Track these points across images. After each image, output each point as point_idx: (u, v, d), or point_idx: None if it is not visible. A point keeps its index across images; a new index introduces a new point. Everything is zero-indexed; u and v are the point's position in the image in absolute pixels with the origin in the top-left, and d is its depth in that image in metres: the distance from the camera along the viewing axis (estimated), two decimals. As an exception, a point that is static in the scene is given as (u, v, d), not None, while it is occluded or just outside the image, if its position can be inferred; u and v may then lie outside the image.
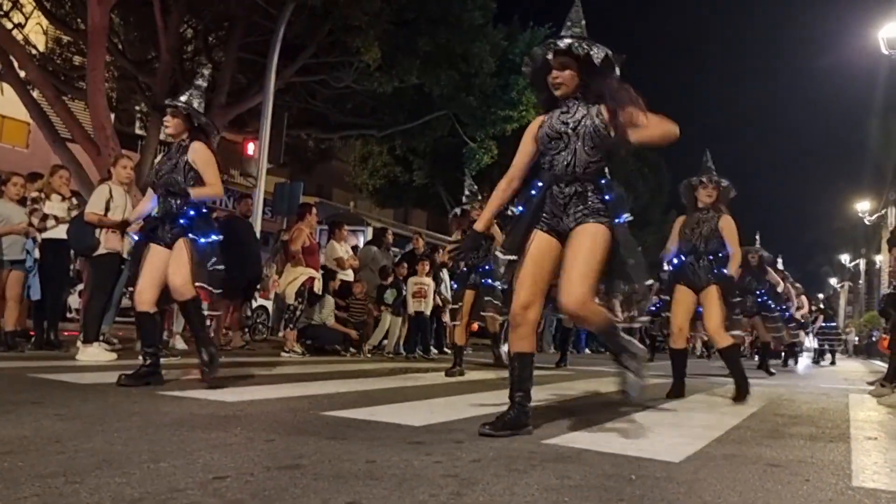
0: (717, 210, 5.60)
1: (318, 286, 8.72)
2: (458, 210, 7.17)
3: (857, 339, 36.79)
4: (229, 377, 4.90)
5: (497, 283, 6.23)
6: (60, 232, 6.62)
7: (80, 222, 6.31)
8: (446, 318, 11.33)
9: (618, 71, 3.28)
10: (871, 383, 8.43)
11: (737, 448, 3.24)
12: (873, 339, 28.78)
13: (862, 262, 44.75)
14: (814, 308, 18.96)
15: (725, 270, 5.51)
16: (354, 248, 11.22)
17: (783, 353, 13.96)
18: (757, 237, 10.40)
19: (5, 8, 12.41)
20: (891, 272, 8.03)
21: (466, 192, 7.14)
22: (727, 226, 5.56)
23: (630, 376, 3.26)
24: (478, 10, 13.82)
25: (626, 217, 3.20)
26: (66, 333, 7.67)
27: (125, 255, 6.51)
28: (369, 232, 17.85)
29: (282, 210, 13.66)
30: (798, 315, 12.83)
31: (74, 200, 6.96)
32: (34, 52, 12.89)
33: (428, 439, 2.94)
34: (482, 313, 6.73)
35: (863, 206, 35.14)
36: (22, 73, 11.53)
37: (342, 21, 11.43)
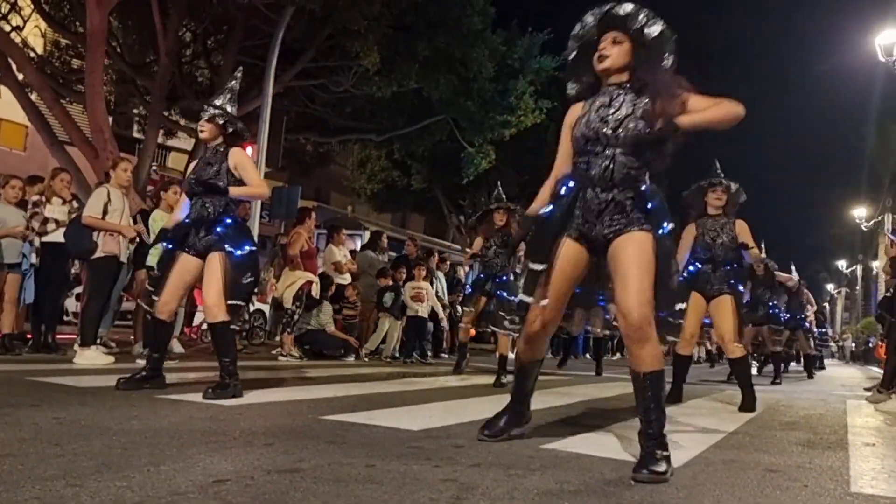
0: (728, 215, 5.55)
1: (315, 290, 8.71)
2: (478, 215, 7.10)
3: (853, 345, 36.85)
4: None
5: (514, 297, 6.22)
6: (60, 235, 6.61)
7: (77, 226, 6.30)
8: (444, 322, 11.37)
9: (670, 58, 2.89)
10: (868, 389, 8.44)
11: (735, 454, 3.25)
12: (870, 345, 28.84)
13: (859, 268, 44.83)
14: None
15: (741, 286, 5.53)
16: (352, 252, 11.22)
17: (805, 364, 13.85)
18: (762, 246, 10.43)
19: (3, 10, 12.42)
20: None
21: (496, 195, 6.92)
22: (744, 229, 5.53)
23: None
24: (477, 15, 13.85)
25: (670, 226, 2.86)
26: (62, 336, 7.65)
27: (122, 259, 6.51)
28: (367, 236, 17.85)
29: (280, 214, 13.66)
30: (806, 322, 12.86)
31: (75, 204, 6.94)
32: (32, 54, 12.90)
33: (427, 444, 2.94)
34: (493, 328, 6.64)
35: (860, 213, 35.20)
36: (20, 76, 11.53)
37: (341, 25, 11.45)
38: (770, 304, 10.33)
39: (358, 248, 13.07)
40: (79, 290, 8.14)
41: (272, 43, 11.82)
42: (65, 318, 10.86)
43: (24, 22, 12.78)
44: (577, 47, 3.01)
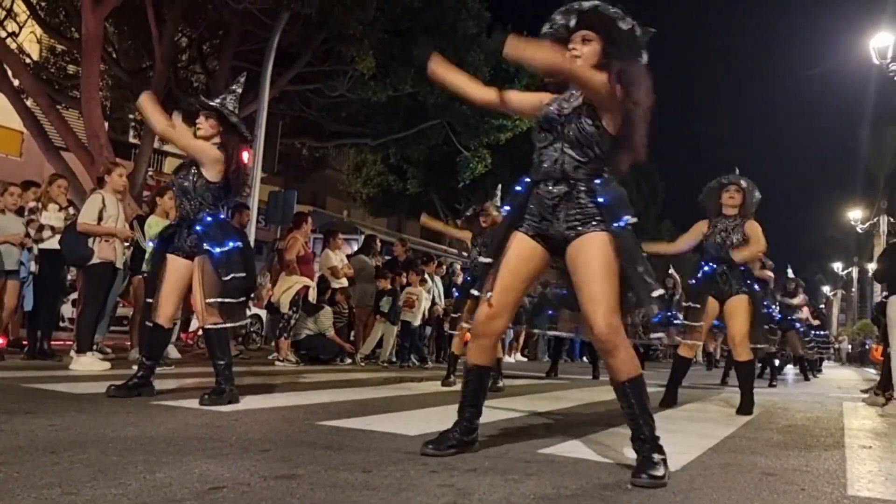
0: (744, 216, 5.48)
1: (312, 295, 8.71)
2: (471, 210, 6.99)
3: (850, 347, 36.94)
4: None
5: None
6: (56, 242, 6.60)
7: (73, 233, 6.28)
8: (446, 326, 11.34)
9: (644, 55, 2.83)
10: (864, 391, 8.46)
11: (732, 457, 3.25)
12: (866, 347, 28.89)
13: (854, 271, 44.97)
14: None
15: (756, 286, 5.49)
16: (349, 256, 11.21)
17: (798, 365, 13.85)
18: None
19: (-1, 17, 12.42)
20: None
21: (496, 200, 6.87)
22: (755, 230, 5.42)
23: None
24: (472, 19, 13.88)
25: (628, 219, 2.76)
26: (57, 342, 7.63)
27: (118, 265, 6.50)
28: (363, 241, 17.84)
29: (276, 219, 13.65)
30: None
31: (71, 210, 6.93)
32: (28, 60, 12.87)
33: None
34: (463, 325, 6.53)
35: (855, 215, 35.33)
36: (16, 82, 11.50)
37: (337, 30, 11.46)
38: (763, 302, 10.34)
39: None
40: (75, 296, 8.13)
41: (268, 48, 11.82)
42: (60, 325, 10.83)
43: (20, 28, 12.75)
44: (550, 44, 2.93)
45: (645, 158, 2.83)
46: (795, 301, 11.63)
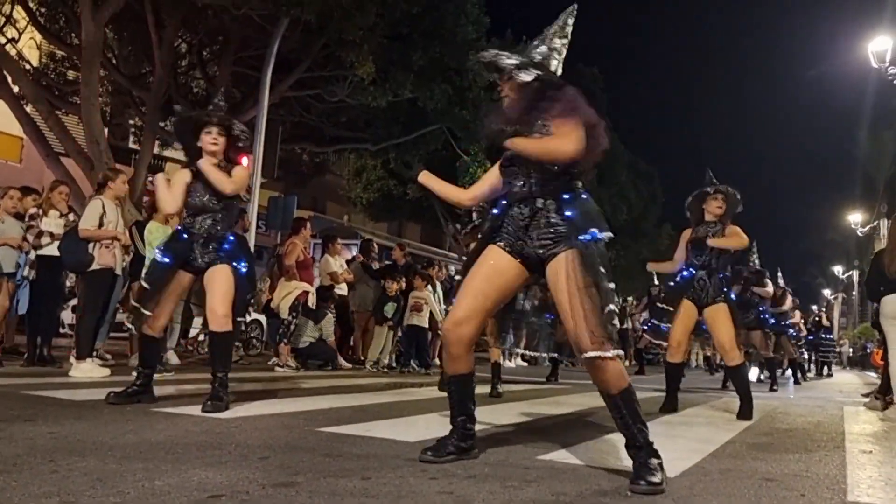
0: (724, 223, 5.52)
1: (312, 300, 8.71)
2: (468, 229, 6.99)
3: (850, 350, 36.90)
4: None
5: None
6: (55, 248, 6.60)
7: (73, 238, 6.29)
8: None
9: (556, 70, 3.01)
10: (865, 395, 8.45)
11: (732, 462, 3.25)
12: (867, 350, 28.85)
13: (855, 274, 44.93)
14: (813, 318, 18.98)
15: (732, 294, 5.52)
16: (349, 261, 11.21)
17: (790, 369, 13.85)
18: (754, 247, 10.40)
19: (-1, 23, 12.45)
20: None
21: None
22: (735, 231, 5.47)
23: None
24: (471, 24, 13.91)
25: (598, 234, 2.79)
26: (53, 349, 7.63)
27: (118, 271, 6.51)
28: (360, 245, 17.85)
29: (276, 224, 13.65)
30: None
31: (71, 217, 6.93)
32: (28, 67, 12.90)
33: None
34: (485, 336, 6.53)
35: (855, 218, 35.33)
36: (15, 88, 11.53)
37: (336, 36, 11.48)
38: (760, 307, 10.33)
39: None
40: (74, 301, 8.13)
41: (267, 54, 11.84)
42: (60, 331, 10.83)
43: (20, 34, 12.79)
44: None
45: (601, 158, 2.91)
46: (784, 307, 11.70)
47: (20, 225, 6.69)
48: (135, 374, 4.40)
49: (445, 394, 5.96)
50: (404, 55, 12.90)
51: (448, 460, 2.82)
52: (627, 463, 2.83)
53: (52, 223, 6.72)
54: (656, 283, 15.03)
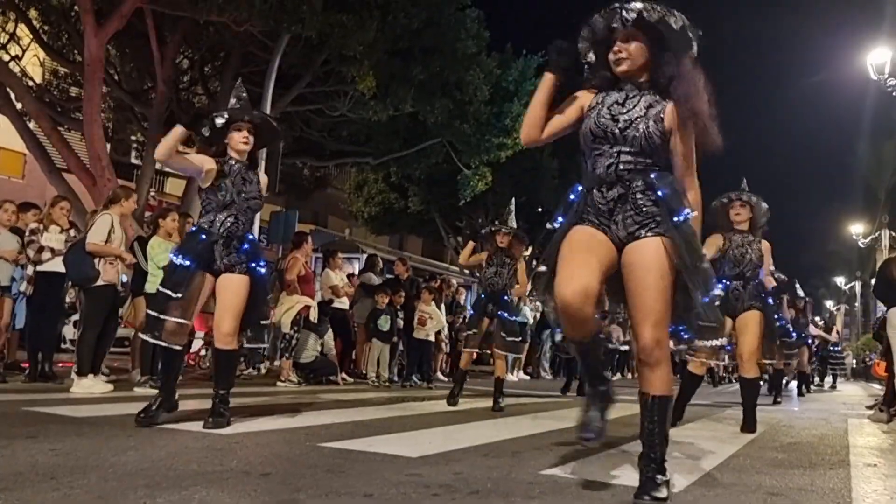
0: (755, 232, 5.48)
1: (313, 315, 8.70)
2: (487, 229, 6.94)
3: (854, 361, 36.73)
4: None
5: (514, 317, 6.12)
6: (56, 264, 6.62)
7: (79, 252, 6.29)
8: (443, 345, 11.31)
9: (695, 49, 2.73)
10: (869, 407, 8.41)
11: (736, 476, 3.23)
12: (870, 361, 28.69)
13: (857, 285, 44.84)
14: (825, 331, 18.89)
15: (770, 300, 5.45)
16: (350, 275, 11.22)
17: (797, 381, 13.72)
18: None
19: (2, 41, 12.51)
20: None
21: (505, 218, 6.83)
22: (767, 250, 5.50)
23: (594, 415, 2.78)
24: (471, 39, 13.96)
25: (687, 213, 2.66)
26: (60, 364, 7.61)
27: (119, 287, 6.52)
28: (364, 259, 17.86)
29: (277, 238, 13.66)
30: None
31: (72, 232, 6.95)
32: (31, 83, 12.97)
33: (426, 471, 2.92)
34: (495, 349, 6.51)
35: (856, 229, 35.28)
36: (19, 105, 11.58)
37: (337, 51, 11.53)
38: (780, 318, 10.29)
39: (356, 272, 13.08)
40: (76, 317, 8.12)
41: (269, 69, 11.89)
42: (62, 346, 10.83)
43: (23, 52, 12.86)
44: (591, 47, 2.86)
45: (720, 145, 2.76)
46: (831, 337, 11.60)
47: (16, 239, 6.71)
48: (142, 386, 4.32)
49: (450, 408, 5.95)
50: (405, 70, 12.95)
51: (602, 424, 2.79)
52: (631, 478, 2.81)
53: (53, 238, 6.73)
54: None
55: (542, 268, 2.86)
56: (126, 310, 7.33)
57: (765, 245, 5.50)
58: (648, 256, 2.62)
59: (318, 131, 14.98)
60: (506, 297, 6.42)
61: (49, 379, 6.64)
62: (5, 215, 6.71)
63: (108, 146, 12.28)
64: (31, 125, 11.85)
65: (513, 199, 7.60)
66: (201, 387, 6.80)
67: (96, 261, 6.25)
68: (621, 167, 2.69)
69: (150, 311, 4.11)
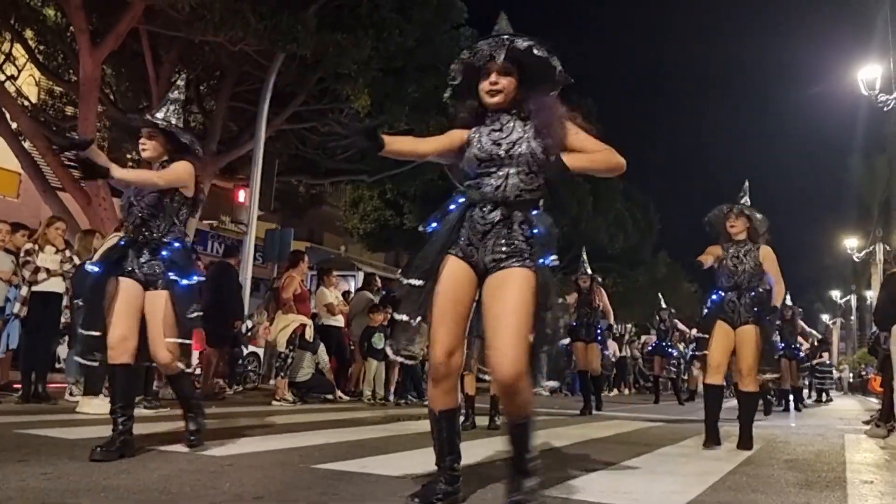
0: (754, 241, 5.36)
1: (309, 333, 8.68)
2: None
3: (850, 375, 36.74)
4: (219, 429, 4.84)
5: None
6: (52, 284, 6.60)
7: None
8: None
9: (557, 90, 2.85)
10: (866, 423, 8.40)
11: (732, 496, 3.22)
12: (865, 376, 28.71)
13: (853, 299, 44.97)
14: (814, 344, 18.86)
15: (768, 315, 5.29)
16: (346, 293, 11.21)
17: (791, 395, 13.56)
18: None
19: (-2, 61, 12.55)
20: None
21: None
22: (768, 256, 5.31)
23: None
24: (465, 57, 14.05)
25: (553, 260, 2.65)
26: (52, 385, 7.57)
27: None
28: (360, 277, 17.85)
29: (273, 257, 13.66)
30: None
31: (68, 253, 6.93)
32: (26, 103, 12.99)
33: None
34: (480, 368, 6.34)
35: (851, 243, 35.46)
36: (14, 125, 11.59)
37: (332, 70, 11.59)
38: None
39: (352, 289, 13.07)
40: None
41: (264, 88, 11.95)
42: (56, 366, 10.77)
43: (19, 71, 12.90)
44: (462, 72, 2.89)
45: (568, 169, 2.70)
46: (825, 360, 11.52)
47: (10, 259, 6.70)
48: (142, 407, 4.20)
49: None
50: (399, 88, 13.02)
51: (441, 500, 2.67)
52: (626, 497, 2.80)
53: (49, 259, 6.72)
54: (664, 305, 15.01)
55: (418, 282, 2.74)
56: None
57: (764, 251, 5.32)
58: (513, 285, 2.60)
59: (313, 149, 15.02)
60: None
61: (42, 399, 6.60)
62: None
63: (104, 165, 12.23)
64: (27, 144, 11.85)
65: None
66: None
67: None
68: (508, 190, 2.69)
69: (80, 330, 3.78)
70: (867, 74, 16.41)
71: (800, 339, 12.96)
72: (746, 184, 5.54)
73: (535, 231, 2.66)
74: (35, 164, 11.79)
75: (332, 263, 17.81)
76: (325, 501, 2.67)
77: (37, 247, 6.80)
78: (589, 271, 9.61)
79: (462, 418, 6.15)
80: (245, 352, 11.23)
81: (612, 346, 17.23)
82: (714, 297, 5.42)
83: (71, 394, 6.71)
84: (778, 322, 10.92)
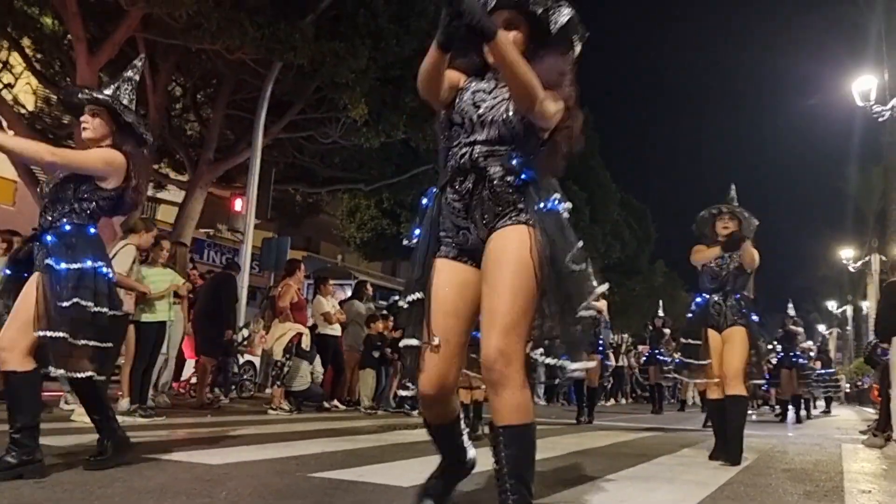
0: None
1: (306, 342, 8.65)
2: None
3: (847, 385, 36.72)
4: (215, 437, 4.81)
5: None
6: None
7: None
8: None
9: (577, 49, 2.46)
10: (863, 432, 8.39)
11: (730, 505, 3.20)
12: (862, 385, 28.68)
13: (849, 309, 45.02)
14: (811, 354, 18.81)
15: (754, 315, 5.10)
16: (342, 302, 11.18)
17: (792, 404, 13.41)
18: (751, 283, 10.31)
19: (-5, 69, 12.57)
20: None
21: None
22: (747, 248, 5.08)
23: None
24: (462, 67, 14.10)
25: (558, 203, 2.28)
26: (48, 393, 7.53)
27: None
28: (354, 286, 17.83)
29: (269, 265, 13.64)
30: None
31: None
32: (23, 111, 13.00)
33: (417, 502, 2.88)
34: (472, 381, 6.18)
35: (847, 253, 35.50)
36: (11, 133, 11.59)
37: (329, 79, 11.61)
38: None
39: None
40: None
41: (261, 97, 11.98)
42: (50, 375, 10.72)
43: (16, 79, 12.91)
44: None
45: (576, 149, 2.42)
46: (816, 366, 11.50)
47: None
48: (136, 416, 4.06)
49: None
50: (396, 97, 13.04)
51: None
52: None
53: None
54: (661, 314, 15.02)
55: (415, 296, 2.41)
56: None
57: (746, 245, 5.09)
58: (506, 247, 2.21)
59: (310, 158, 15.04)
60: None
61: (37, 408, 6.56)
62: None
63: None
64: (23, 152, 11.85)
65: None
66: (191, 416, 6.74)
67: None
68: (476, 153, 2.31)
69: None
70: (862, 86, 16.52)
71: (803, 346, 12.82)
72: (733, 188, 5.44)
73: (524, 176, 2.29)
74: (31, 173, 11.78)
75: (328, 272, 17.84)
76: (322, 510, 2.65)
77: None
78: None
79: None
80: (241, 360, 11.20)
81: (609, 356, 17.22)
82: (699, 299, 5.25)
83: (66, 402, 6.67)
84: (780, 331, 10.94)
